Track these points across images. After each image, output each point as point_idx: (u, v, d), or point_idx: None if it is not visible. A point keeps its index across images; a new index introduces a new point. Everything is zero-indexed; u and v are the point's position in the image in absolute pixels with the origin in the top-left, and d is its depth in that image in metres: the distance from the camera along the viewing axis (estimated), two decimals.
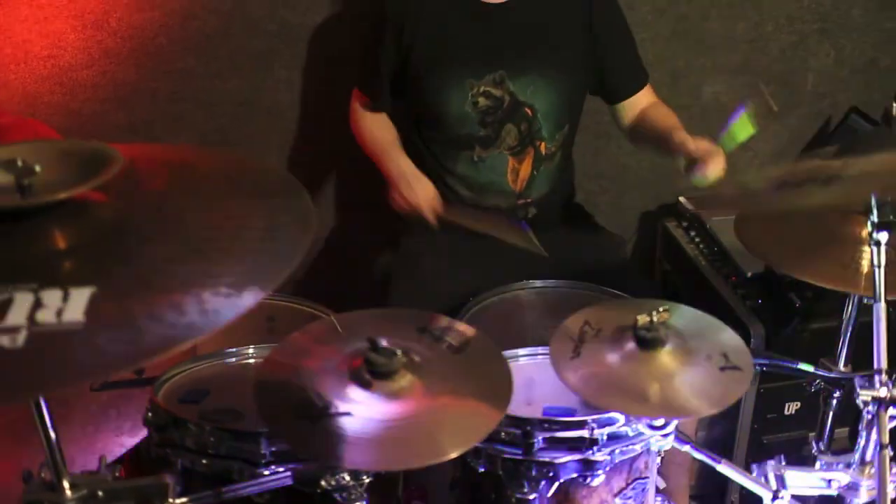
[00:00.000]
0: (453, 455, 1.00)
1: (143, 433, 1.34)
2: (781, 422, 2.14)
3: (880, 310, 1.16)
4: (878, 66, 2.47)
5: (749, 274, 2.10)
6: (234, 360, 1.40)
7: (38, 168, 0.90)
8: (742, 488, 2.16)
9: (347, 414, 1.00)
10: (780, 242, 1.52)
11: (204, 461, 1.17)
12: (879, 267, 1.17)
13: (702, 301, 2.20)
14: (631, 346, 1.11)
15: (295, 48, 2.30)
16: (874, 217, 1.16)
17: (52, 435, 1.02)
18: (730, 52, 2.41)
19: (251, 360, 1.41)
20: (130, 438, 1.35)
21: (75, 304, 0.80)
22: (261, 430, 1.15)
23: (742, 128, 1.52)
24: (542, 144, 1.94)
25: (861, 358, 1.58)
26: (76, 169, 0.93)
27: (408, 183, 1.88)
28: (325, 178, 2.46)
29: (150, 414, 1.22)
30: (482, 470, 1.25)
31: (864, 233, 1.40)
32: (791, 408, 2.13)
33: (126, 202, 0.94)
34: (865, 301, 1.56)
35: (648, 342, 1.09)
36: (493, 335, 1.20)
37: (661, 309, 1.09)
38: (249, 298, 0.83)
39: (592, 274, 1.80)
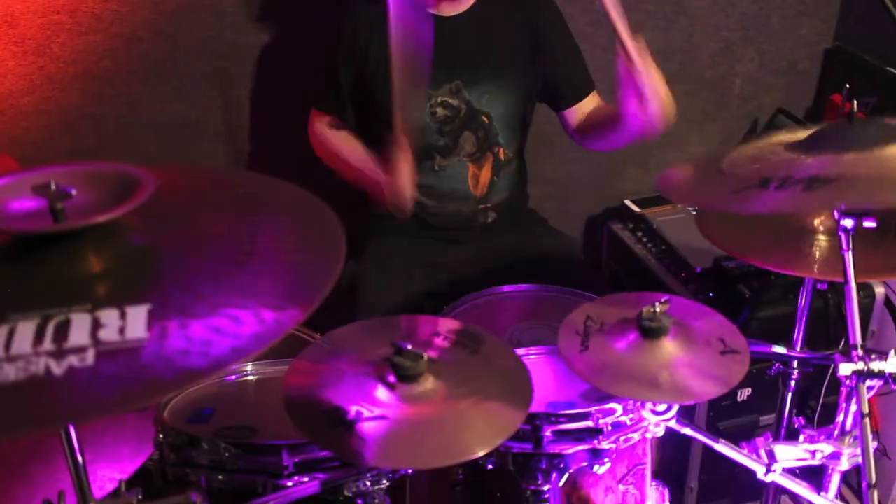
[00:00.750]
0: (481, 453, 1.04)
1: (141, 458, 1.33)
2: (735, 408, 2.25)
3: (851, 290, 1.26)
4: (797, 68, 2.64)
5: (698, 269, 2.21)
6: (232, 377, 1.41)
7: (73, 192, 0.90)
8: (700, 475, 2.29)
9: (383, 417, 1.03)
10: (740, 234, 1.62)
11: (223, 478, 1.18)
12: (849, 251, 1.27)
13: None
14: (635, 336, 1.18)
15: (243, 69, 2.31)
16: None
17: (80, 460, 1.02)
18: (665, 60, 2.53)
19: (250, 378, 1.42)
20: (129, 464, 1.34)
21: (135, 322, 0.81)
22: (281, 443, 1.17)
23: None
24: (501, 150, 2.02)
25: (811, 339, 1.71)
26: (108, 192, 0.94)
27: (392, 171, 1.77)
28: None
29: (161, 436, 1.22)
30: (490, 467, 1.30)
31: (817, 222, 1.54)
32: (743, 394, 2.25)
33: (158, 222, 0.95)
34: (818, 287, 1.71)
35: (653, 331, 1.17)
36: None
37: (662, 300, 1.17)
38: (301, 310, 0.86)
39: (554, 275, 1.86)
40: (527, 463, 1.25)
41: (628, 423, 1.29)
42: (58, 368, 0.76)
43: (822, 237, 1.54)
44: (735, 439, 1.44)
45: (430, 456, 1.03)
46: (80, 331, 0.80)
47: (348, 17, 1.96)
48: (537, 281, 1.84)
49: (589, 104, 2.08)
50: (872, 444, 1.24)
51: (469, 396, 1.10)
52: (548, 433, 1.24)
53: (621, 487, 1.33)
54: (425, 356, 1.08)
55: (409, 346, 1.07)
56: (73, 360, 0.77)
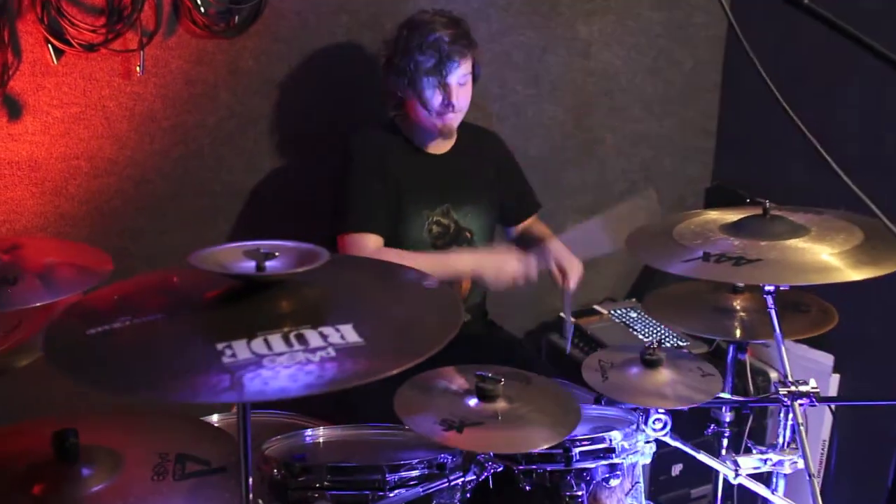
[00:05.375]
0: (545, 445, 1.46)
1: None
2: (670, 482, 2.72)
3: (779, 337, 1.78)
4: (686, 203, 3.31)
5: None
6: (308, 440, 1.74)
7: (276, 254, 1.30)
8: None
9: (480, 423, 1.44)
10: (680, 315, 2.14)
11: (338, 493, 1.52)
12: (773, 309, 1.79)
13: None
14: (640, 368, 1.65)
15: (236, 205, 2.71)
16: None
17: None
18: (582, 196, 3.15)
19: (320, 440, 1.76)
20: None
21: (348, 333, 1.20)
22: (384, 464, 1.53)
23: None
24: None
25: None
26: (294, 259, 1.33)
27: (493, 265, 2.27)
28: None
29: (280, 471, 1.55)
30: (528, 489, 1.69)
31: (737, 304, 2.08)
32: (676, 470, 2.72)
33: (323, 277, 1.35)
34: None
35: (653, 363, 1.64)
36: None
37: (656, 343, 1.65)
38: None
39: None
40: (562, 478, 1.66)
41: (627, 446, 1.73)
42: (314, 357, 1.14)
43: (741, 313, 2.07)
44: None
45: (510, 446, 1.44)
46: (314, 338, 1.18)
47: (368, 141, 2.43)
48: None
49: (530, 223, 2.69)
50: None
51: (531, 409, 1.51)
52: (576, 453, 1.66)
53: (628, 500, 1.74)
54: (502, 381, 1.49)
55: (490, 374, 1.49)
56: (321, 353, 1.15)
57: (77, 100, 2.45)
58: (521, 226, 2.68)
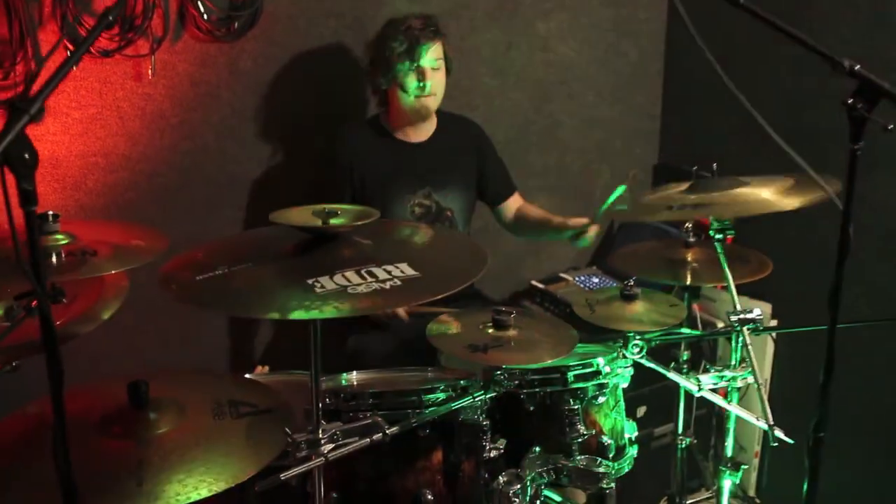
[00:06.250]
0: (549, 360, 1.84)
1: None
2: (636, 423, 3.11)
3: (729, 276, 2.19)
4: (637, 180, 3.73)
5: None
6: (344, 383, 2.10)
7: (339, 211, 1.65)
8: None
9: (499, 346, 1.81)
10: (641, 266, 2.54)
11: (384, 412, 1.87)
12: (722, 253, 2.20)
13: None
14: (619, 302, 2.05)
15: (239, 194, 3.03)
16: (714, 226, 2.22)
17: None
18: (545, 176, 3.55)
19: (353, 381, 2.11)
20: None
21: (406, 269, 1.56)
22: (421, 388, 1.89)
23: (617, 201, 2.51)
24: None
25: None
26: (350, 218, 1.68)
27: None
28: None
29: (332, 399, 1.89)
30: (531, 409, 2.06)
31: (690, 257, 2.49)
32: (640, 411, 3.12)
33: (370, 234, 1.70)
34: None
35: (630, 297, 2.03)
36: None
37: (631, 281, 2.05)
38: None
39: None
40: (560, 396, 2.04)
41: (606, 371, 2.12)
42: (385, 286, 1.50)
43: (693, 264, 2.48)
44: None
45: (525, 361, 1.82)
46: (381, 273, 1.54)
47: (343, 143, 2.79)
48: None
49: (515, 203, 3.04)
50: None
51: (538, 335, 1.89)
52: (570, 376, 2.04)
53: (612, 414, 2.13)
54: (514, 313, 1.87)
55: (505, 308, 1.86)
56: (389, 282, 1.51)
57: (94, 101, 2.74)
58: (511, 209, 3.06)
